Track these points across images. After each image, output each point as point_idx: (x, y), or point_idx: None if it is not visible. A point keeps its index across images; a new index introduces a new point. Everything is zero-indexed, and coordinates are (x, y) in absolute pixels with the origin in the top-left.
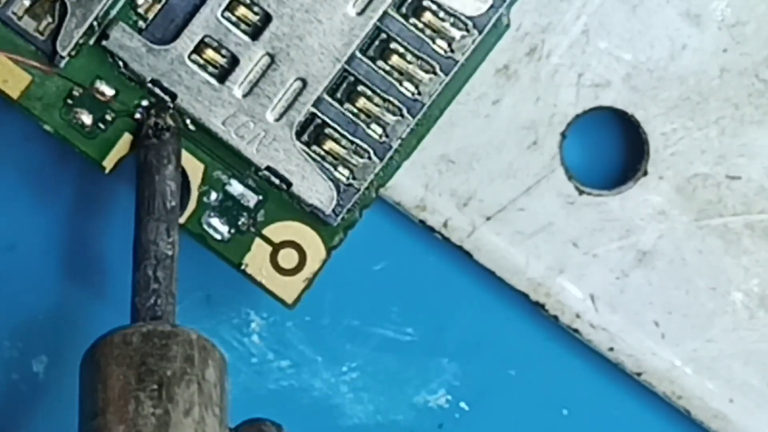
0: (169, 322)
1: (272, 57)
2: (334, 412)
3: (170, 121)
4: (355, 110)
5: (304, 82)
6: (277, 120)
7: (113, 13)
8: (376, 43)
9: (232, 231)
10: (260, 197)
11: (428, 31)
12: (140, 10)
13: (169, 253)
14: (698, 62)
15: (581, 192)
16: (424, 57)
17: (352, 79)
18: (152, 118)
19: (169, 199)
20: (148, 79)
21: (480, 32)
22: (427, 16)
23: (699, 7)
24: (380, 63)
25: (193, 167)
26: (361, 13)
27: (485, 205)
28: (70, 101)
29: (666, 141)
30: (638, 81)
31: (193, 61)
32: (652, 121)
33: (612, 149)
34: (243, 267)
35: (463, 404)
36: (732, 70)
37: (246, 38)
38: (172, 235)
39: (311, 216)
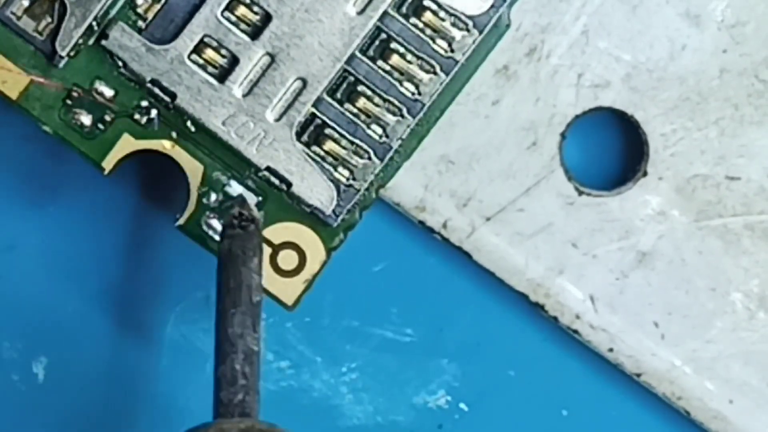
0: (257, 419)
1: (272, 57)
2: (333, 413)
3: (255, 214)
4: (355, 110)
5: (304, 81)
6: (277, 120)
7: (113, 12)
8: (377, 42)
9: None
10: (260, 198)
11: (428, 31)
12: (140, 10)
13: (255, 348)
14: (698, 62)
15: (581, 192)
16: (425, 57)
17: (352, 79)
18: (236, 208)
19: (255, 293)
20: (148, 79)
21: (480, 32)
22: (428, 16)
23: (699, 7)
24: (380, 63)
25: (193, 168)
26: (361, 12)
27: (485, 205)
28: (69, 102)
29: (666, 141)
30: (638, 81)
31: (193, 61)
32: (652, 122)
33: (611, 150)
34: None
35: (462, 405)
36: (732, 70)
37: (246, 38)
38: (257, 330)
39: (311, 217)
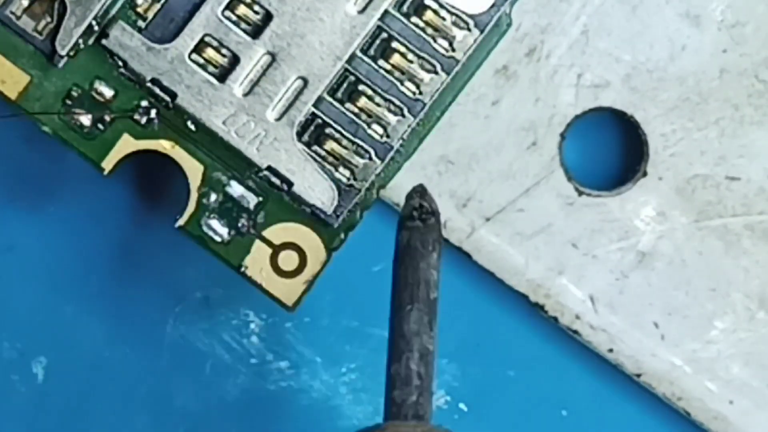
0: (430, 422)
1: (273, 56)
2: (333, 413)
3: (435, 205)
4: (356, 110)
5: (305, 81)
6: (278, 120)
7: (113, 12)
8: (378, 42)
9: (232, 233)
10: (260, 199)
11: (429, 30)
12: (140, 9)
13: (430, 348)
14: (698, 63)
15: (581, 193)
16: (426, 56)
17: (353, 78)
18: (416, 198)
19: (433, 290)
20: (148, 78)
21: (481, 31)
22: (429, 15)
23: (698, 7)
24: (381, 62)
25: (193, 168)
26: (362, 11)
27: (485, 206)
28: (68, 102)
29: (665, 142)
30: (638, 82)
31: (194, 61)
32: (652, 122)
33: (611, 150)
34: (243, 269)
35: (462, 405)
36: (731, 70)
37: (246, 37)
38: (434, 329)
39: (312, 217)
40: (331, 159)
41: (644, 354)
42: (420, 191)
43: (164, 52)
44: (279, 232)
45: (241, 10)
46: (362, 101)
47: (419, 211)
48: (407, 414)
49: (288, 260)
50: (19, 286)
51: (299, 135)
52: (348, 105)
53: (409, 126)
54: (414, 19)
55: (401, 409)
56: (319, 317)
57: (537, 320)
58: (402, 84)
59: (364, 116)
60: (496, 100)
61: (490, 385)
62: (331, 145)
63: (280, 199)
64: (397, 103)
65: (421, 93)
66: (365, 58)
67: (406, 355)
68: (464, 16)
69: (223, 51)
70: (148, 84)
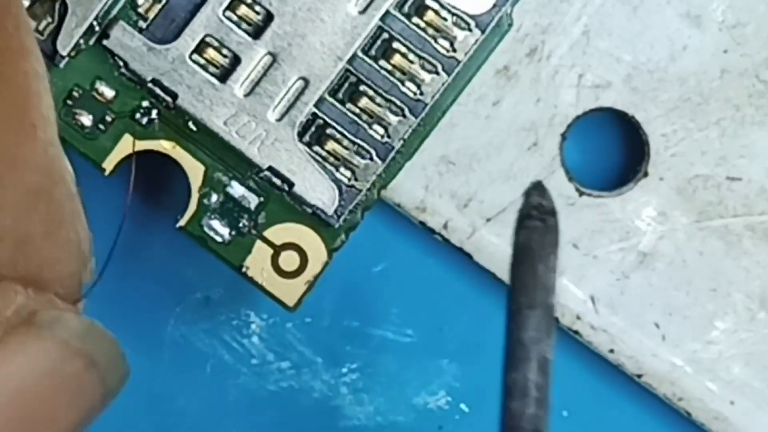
0: None
1: (274, 56)
2: (334, 414)
3: (554, 204)
4: (357, 110)
5: (306, 81)
6: (279, 120)
7: (114, 12)
8: (378, 42)
9: (233, 233)
10: (261, 199)
11: (430, 31)
12: (141, 10)
13: (549, 357)
14: (699, 63)
15: (581, 193)
16: (427, 57)
17: (354, 79)
18: (536, 197)
19: (551, 294)
20: (149, 78)
21: (483, 31)
22: (430, 15)
23: (699, 8)
24: (382, 62)
25: (194, 169)
26: (363, 12)
27: (485, 206)
28: (69, 102)
29: (666, 142)
30: (639, 82)
31: (194, 61)
32: (653, 122)
33: (612, 150)
34: (244, 270)
35: (463, 406)
36: (732, 71)
37: (247, 37)
38: (551, 336)
39: (313, 218)
40: (332, 159)
41: (645, 354)
42: (540, 188)
43: (165, 52)
44: (280, 232)
45: (242, 10)
46: (363, 102)
47: (539, 210)
48: (526, 428)
49: (289, 261)
50: None
51: (300, 135)
52: (349, 105)
53: (410, 126)
54: (415, 19)
55: (519, 421)
56: (320, 318)
57: None
58: (403, 84)
59: (365, 117)
60: (497, 101)
61: (491, 385)
62: (332, 145)
63: (281, 199)
64: (398, 103)
65: (422, 93)
66: (366, 59)
67: (525, 364)
68: (465, 17)
69: (224, 51)
70: (149, 84)
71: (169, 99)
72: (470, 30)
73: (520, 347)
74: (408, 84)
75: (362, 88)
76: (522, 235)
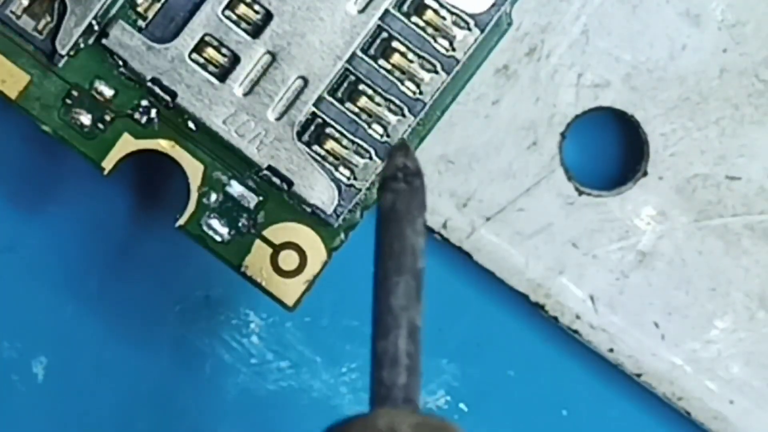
0: (419, 406)
1: (273, 55)
2: (333, 413)
3: (419, 165)
4: (357, 110)
5: (306, 80)
6: (278, 119)
7: (113, 11)
8: (378, 41)
9: (232, 232)
10: (260, 198)
11: (430, 30)
12: (140, 9)
13: (419, 323)
14: (698, 62)
15: (581, 192)
16: (426, 56)
17: (353, 78)
18: (399, 158)
19: (420, 258)
20: (148, 77)
21: (482, 31)
22: (429, 15)
23: (699, 7)
24: (381, 62)
25: (193, 168)
26: (362, 11)
27: (485, 205)
28: (68, 101)
29: (666, 141)
30: (638, 81)
31: (194, 60)
32: (652, 122)
33: (612, 150)
34: (243, 269)
35: (462, 405)
36: (732, 70)
37: (247, 36)
38: (421, 302)
39: (312, 217)
40: (331, 158)
41: (644, 354)
42: (403, 149)
43: (164, 51)
44: (279, 231)
45: (242, 9)
46: (362, 101)
47: (403, 172)
48: (397, 397)
49: (288, 260)
50: (19, 286)
51: (299, 135)
52: (348, 104)
53: (409, 126)
54: (414, 18)
55: (391, 391)
56: (319, 317)
57: (537, 320)
58: (402, 83)
59: (364, 116)
60: (497, 100)
61: (491, 385)
62: (331, 144)
63: (281, 198)
64: (398, 102)
65: (421, 92)
66: (365, 58)
67: (394, 332)
68: (464, 16)
69: (224, 50)
70: (148, 83)
71: (168, 98)
72: (469, 29)
73: (389, 315)
74: (407, 83)
75: (361, 87)
76: (387, 198)
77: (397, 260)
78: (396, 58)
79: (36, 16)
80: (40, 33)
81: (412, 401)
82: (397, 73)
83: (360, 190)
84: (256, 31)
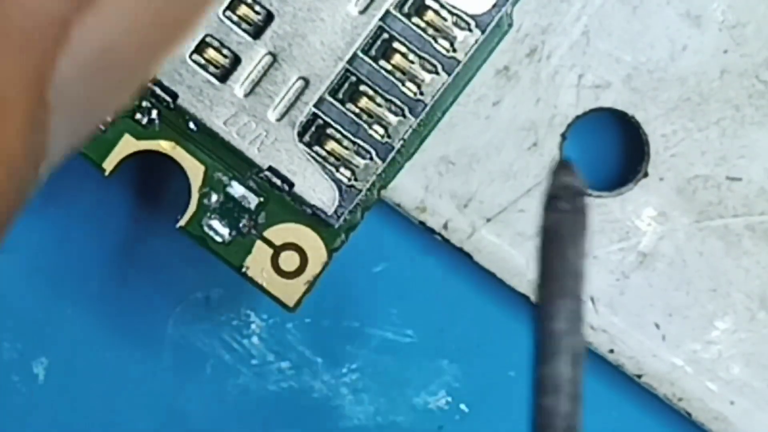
0: None
1: (274, 56)
2: (334, 414)
3: (583, 185)
4: (357, 110)
5: (306, 81)
6: (279, 120)
7: None
8: (379, 42)
9: (233, 233)
10: (261, 199)
11: (431, 31)
12: None
13: (580, 350)
14: (698, 63)
15: None
16: (427, 57)
17: (354, 79)
18: (565, 177)
19: (582, 281)
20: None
21: (483, 32)
22: (430, 15)
23: (699, 8)
24: (382, 62)
25: (194, 169)
26: (363, 12)
27: (485, 206)
28: None
29: (666, 142)
30: (638, 82)
31: (194, 61)
32: (653, 123)
33: (612, 150)
34: (244, 270)
35: (463, 406)
36: (732, 71)
37: (248, 37)
38: (582, 327)
39: (313, 218)
40: (332, 159)
41: (645, 355)
42: (568, 167)
43: None
44: (280, 232)
45: (242, 10)
46: (363, 102)
47: (568, 191)
48: (559, 427)
49: (289, 261)
50: (19, 286)
51: (300, 135)
52: (349, 105)
53: (410, 126)
54: (415, 19)
55: (553, 419)
56: (320, 318)
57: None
58: (403, 84)
59: (365, 117)
60: (497, 101)
61: (492, 385)
62: (332, 145)
63: (281, 199)
64: (398, 103)
65: (422, 93)
66: (366, 59)
67: (556, 357)
68: (465, 17)
69: (224, 51)
70: (149, 84)
71: (169, 99)
72: (470, 30)
73: (550, 339)
74: (408, 84)
75: (362, 88)
76: (551, 219)
77: (559, 283)
78: (397, 58)
79: None
80: None
81: (574, 430)
82: (398, 74)
83: (361, 190)
84: (257, 32)
